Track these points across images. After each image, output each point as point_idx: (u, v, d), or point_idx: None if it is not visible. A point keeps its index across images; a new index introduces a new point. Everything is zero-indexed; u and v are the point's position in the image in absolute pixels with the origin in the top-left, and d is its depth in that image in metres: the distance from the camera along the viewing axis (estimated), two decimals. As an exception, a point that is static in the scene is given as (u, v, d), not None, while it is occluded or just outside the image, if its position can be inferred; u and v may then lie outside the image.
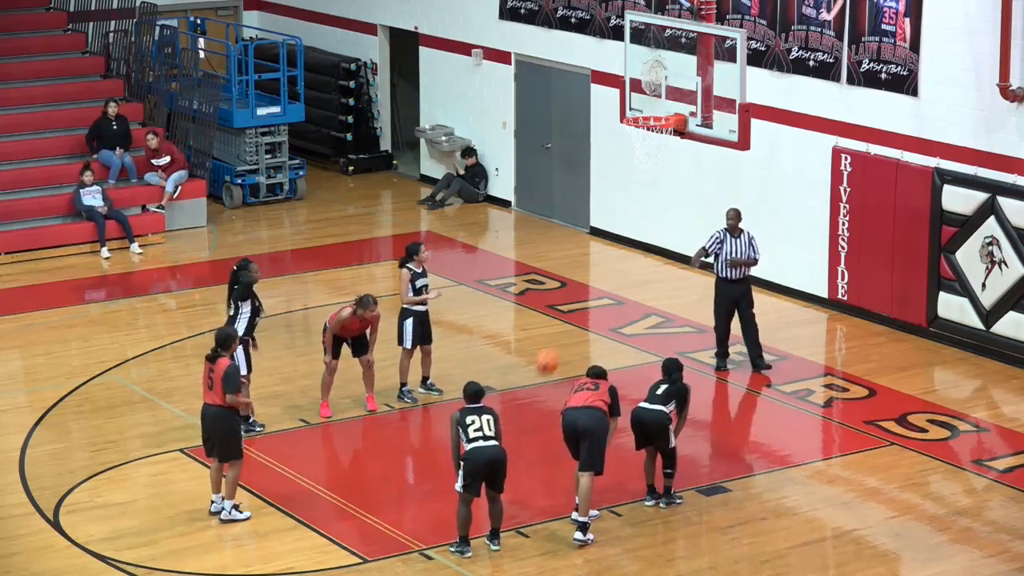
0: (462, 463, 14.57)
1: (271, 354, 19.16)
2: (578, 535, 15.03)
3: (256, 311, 17.49)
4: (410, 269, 18.11)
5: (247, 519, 15.51)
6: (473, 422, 14.58)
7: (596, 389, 15.22)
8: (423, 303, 18.18)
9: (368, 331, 17.75)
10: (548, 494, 16.03)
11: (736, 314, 19.16)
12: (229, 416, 15.32)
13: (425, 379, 18.52)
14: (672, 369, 15.72)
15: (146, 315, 21.89)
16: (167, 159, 25.40)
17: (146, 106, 27.08)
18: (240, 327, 17.17)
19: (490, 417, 14.62)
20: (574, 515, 15.25)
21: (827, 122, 21.12)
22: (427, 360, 18.46)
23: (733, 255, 18.88)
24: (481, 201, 26.79)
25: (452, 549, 14.80)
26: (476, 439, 14.53)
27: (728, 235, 18.92)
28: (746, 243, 18.94)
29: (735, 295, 19.06)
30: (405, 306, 18.16)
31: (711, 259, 19.08)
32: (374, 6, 28.74)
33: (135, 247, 24.37)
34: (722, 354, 19.34)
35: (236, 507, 15.54)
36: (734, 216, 18.96)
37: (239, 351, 17.04)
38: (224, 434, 15.33)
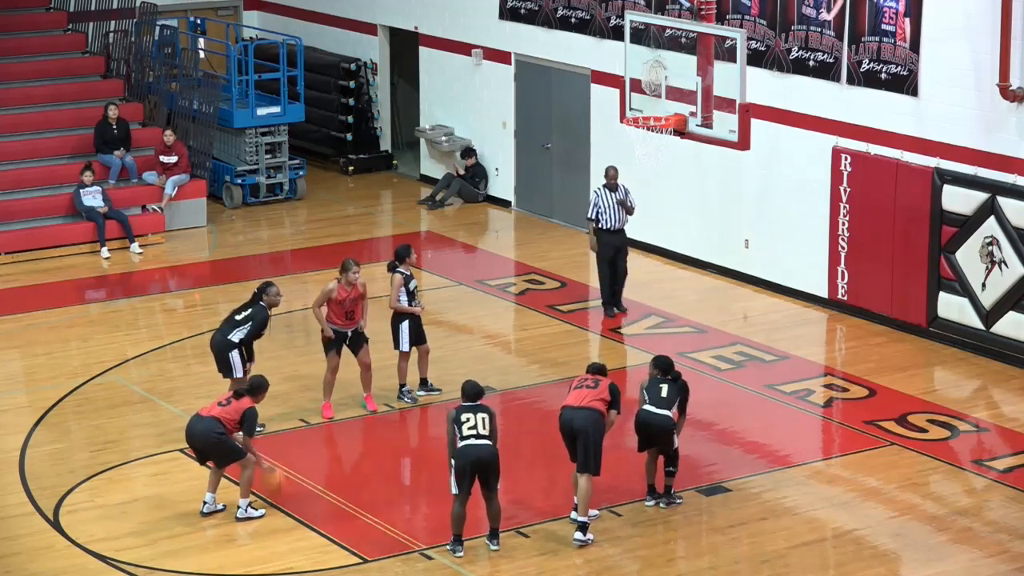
0: (452, 461, 14.60)
1: (271, 354, 19.16)
2: (578, 535, 15.02)
3: (258, 335, 17.41)
4: (402, 273, 18.09)
5: (262, 516, 15.53)
6: (468, 420, 14.57)
7: (595, 387, 15.21)
8: (417, 306, 18.16)
9: (360, 309, 17.72)
10: (548, 494, 16.04)
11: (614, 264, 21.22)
12: (218, 430, 15.28)
13: (424, 380, 18.51)
14: (669, 367, 15.69)
15: (146, 315, 21.90)
16: (175, 159, 25.42)
17: (146, 106, 27.09)
18: (236, 337, 17.16)
19: (485, 416, 14.59)
20: (573, 515, 15.26)
21: (827, 122, 21.11)
22: (424, 361, 18.45)
23: (620, 198, 20.95)
24: (481, 201, 26.79)
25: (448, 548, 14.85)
26: (469, 437, 14.53)
27: (607, 191, 20.90)
28: (623, 193, 20.97)
29: (616, 244, 21.05)
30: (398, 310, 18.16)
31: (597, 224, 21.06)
32: (374, 6, 28.75)
33: (135, 247, 24.37)
34: (609, 301, 21.25)
35: (251, 505, 15.57)
36: (613, 175, 20.92)
37: (235, 355, 17.07)
38: (216, 446, 15.34)
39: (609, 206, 20.84)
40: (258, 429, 17.25)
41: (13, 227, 24.28)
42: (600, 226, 20.94)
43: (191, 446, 15.55)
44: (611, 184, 20.88)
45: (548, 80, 25.51)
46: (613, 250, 21.04)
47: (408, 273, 18.11)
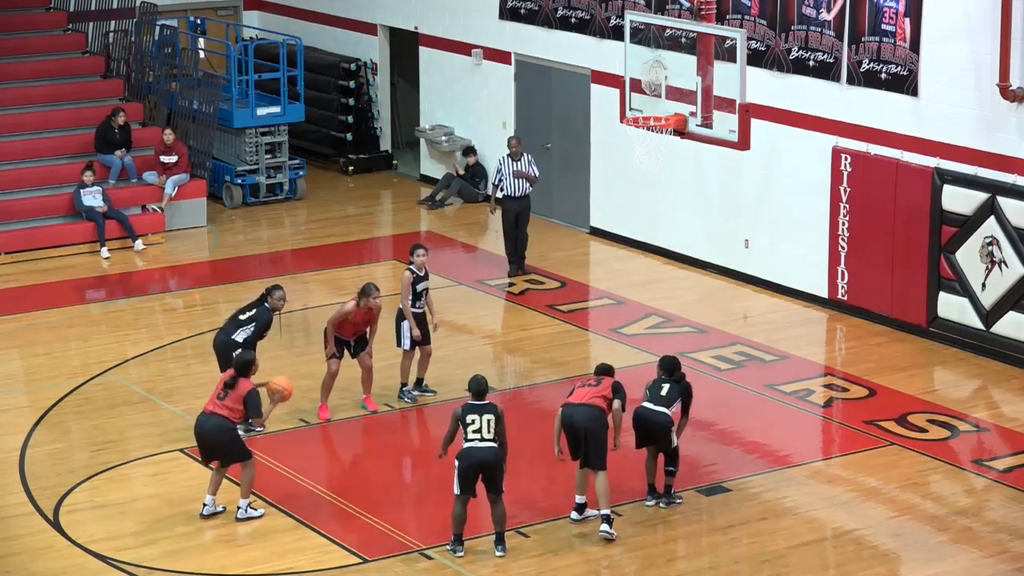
0: (456, 462, 14.59)
1: (271, 354, 19.13)
2: (605, 527, 15.02)
3: (261, 337, 17.42)
4: (412, 271, 18.10)
5: (262, 516, 15.53)
6: (473, 421, 14.57)
7: (597, 385, 15.23)
8: (419, 308, 18.14)
9: (369, 329, 17.76)
10: (548, 494, 16.04)
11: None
12: (229, 426, 15.30)
13: (420, 380, 18.49)
14: (673, 368, 15.70)
15: (146, 315, 21.89)
16: (175, 158, 25.43)
17: (146, 106, 27.09)
18: (240, 337, 17.15)
19: (491, 417, 14.59)
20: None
21: (827, 122, 21.12)
22: (425, 361, 18.43)
23: (516, 169, 22.48)
24: (481, 201, 26.78)
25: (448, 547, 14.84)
26: (473, 439, 14.54)
27: (509, 160, 22.55)
28: (527, 163, 22.62)
29: (517, 209, 22.64)
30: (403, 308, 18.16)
31: (501, 193, 22.77)
32: (374, 6, 28.75)
33: (139, 244, 24.38)
34: (513, 260, 22.93)
35: (251, 505, 15.57)
36: (516, 144, 22.70)
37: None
38: (227, 444, 15.34)
39: (510, 174, 22.47)
40: (258, 429, 17.29)
41: (13, 227, 24.28)
42: (503, 193, 22.64)
43: (201, 444, 15.49)
44: (514, 154, 22.53)
45: (548, 80, 25.51)
46: (515, 214, 22.63)
47: (420, 273, 18.07)
